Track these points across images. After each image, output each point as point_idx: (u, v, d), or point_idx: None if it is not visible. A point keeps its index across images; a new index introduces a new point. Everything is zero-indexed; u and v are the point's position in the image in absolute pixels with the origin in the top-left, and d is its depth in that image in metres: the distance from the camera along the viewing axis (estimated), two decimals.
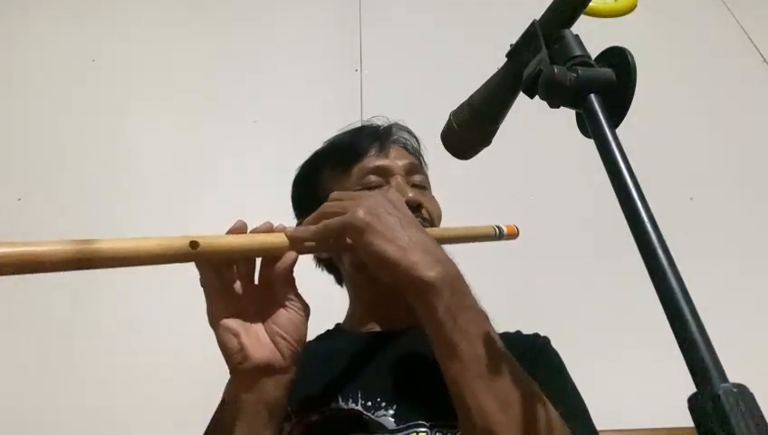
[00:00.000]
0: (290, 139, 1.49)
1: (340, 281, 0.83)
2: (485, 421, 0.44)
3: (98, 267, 0.39)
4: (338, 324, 0.80)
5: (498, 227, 0.71)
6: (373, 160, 0.74)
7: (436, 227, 0.73)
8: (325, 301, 0.79)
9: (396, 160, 0.75)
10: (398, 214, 0.51)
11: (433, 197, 0.77)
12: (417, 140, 0.82)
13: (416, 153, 0.81)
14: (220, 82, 1.72)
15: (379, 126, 0.80)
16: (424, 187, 0.77)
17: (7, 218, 1.44)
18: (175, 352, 1.22)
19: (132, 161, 1.56)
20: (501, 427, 0.44)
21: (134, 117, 1.64)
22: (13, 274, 0.36)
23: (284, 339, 0.50)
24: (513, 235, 0.74)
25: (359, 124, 0.84)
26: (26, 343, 1.28)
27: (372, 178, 0.72)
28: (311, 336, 0.76)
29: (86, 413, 1.19)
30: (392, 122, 0.82)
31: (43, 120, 1.63)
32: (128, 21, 1.86)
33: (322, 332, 0.78)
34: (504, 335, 0.70)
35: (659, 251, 0.31)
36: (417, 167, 0.77)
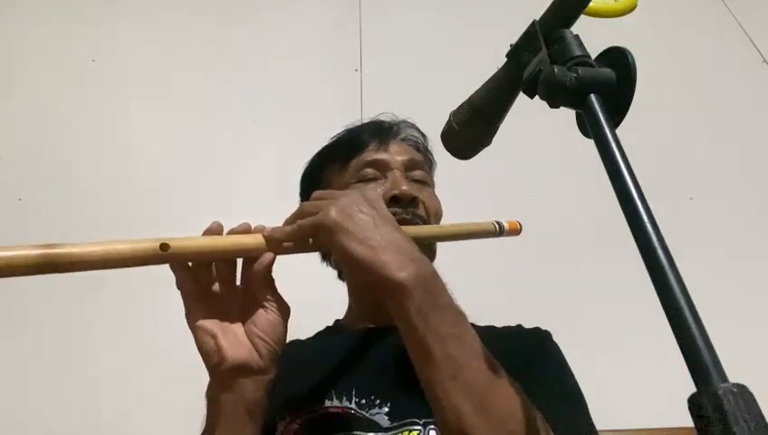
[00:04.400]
0: (290, 139, 1.50)
1: (341, 276, 0.82)
2: (460, 423, 0.43)
3: (66, 271, 0.39)
4: (337, 321, 0.80)
5: (498, 223, 0.70)
6: (371, 154, 0.73)
7: (433, 223, 0.72)
8: (327, 299, 0.80)
9: (395, 155, 0.74)
10: (373, 212, 0.50)
11: (433, 193, 0.76)
12: (424, 138, 0.81)
13: (422, 150, 0.80)
14: (220, 82, 1.72)
15: (383, 122, 0.80)
16: (424, 182, 0.76)
17: (7, 218, 1.44)
18: (174, 352, 1.21)
19: (132, 161, 1.56)
20: (477, 430, 0.42)
21: (134, 117, 1.64)
22: None
23: (262, 339, 0.50)
24: (516, 230, 0.72)
25: (366, 121, 0.84)
26: (26, 343, 1.28)
27: (369, 171, 0.72)
28: (311, 333, 0.76)
29: (86, 412, 1.19)
30: (400, 119, 0.81)
31: (43, 120, 1.63)
32: (128, 21, 1.86)
33: (322, 329, 0.78)
34: (505, 329, 0.70)
35: (659, 251, 0.31)
36: (418, 163, 0.76)
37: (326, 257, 0.82)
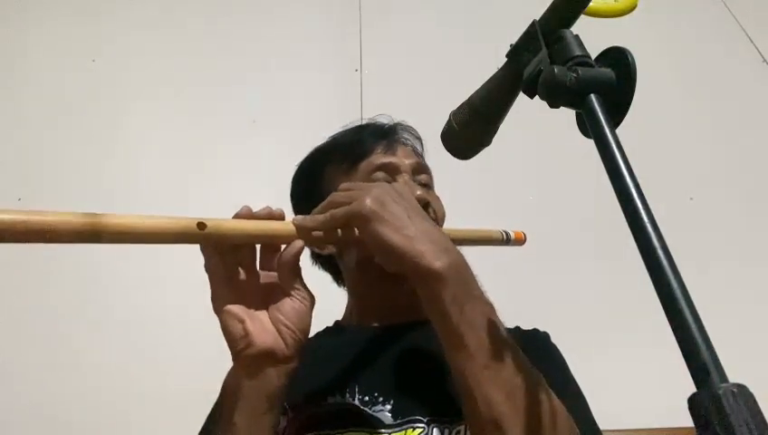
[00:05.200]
0: (290, 139, 1.49)
1: (337, 279, 0.83)
2: (491, 412, 0.44)
3: (105, 242, 0.39)
4: (337, 321, 0.80)
5: (506, 233, 0.71)
6: (380, 158, 0.73)
7: (441, 227, 0.72)
8: (324, 299, 0.79)
9: (403, 159, 0.74)
10: (405, 203, 0.51)
11: (438, 197, 0.77)
12: (420, 141, 0.82)
13: (419, 154, 0.81)
14: (220, 82, 1.72)
15: (384, 124, 0.80)
16: (429, 186, 0.77)
17: None
18: (176, 348, 1.22)
19: (132, 161, 1.56)
20: (506, 417, 0.44)
21: (134, 117, 1.64)
22: (19, 242, 0.35)
23: (288, 328, 0.50)
24: (521, 241, 0.74)
25: (360, 122, 0.84)
26: (26, 340, 1.28)
27: (380, 175, 0.72)
28: (310, 334, 0.76)
29: (86, 409, 1.19)
30: (396, 121, 0.81)
31: (43, 120, 1.63)
32: (128, 21, 1.86)
33: (321, 329, 0.78)
34: None
35: (659, 251, 0.31)
36: (422, 166, 0.77)
37: (318, 260, 0.82)
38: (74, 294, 1.33)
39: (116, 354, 1.25)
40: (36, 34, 1.81)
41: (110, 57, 1.77)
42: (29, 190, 1.49)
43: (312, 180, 0.79)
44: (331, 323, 0.80)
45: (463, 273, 0.48)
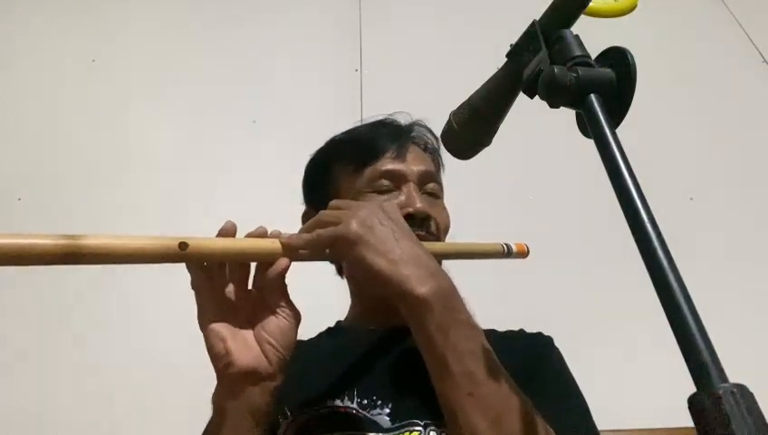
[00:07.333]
0: (290, 139, 1.50)
1: (340, 271, 0.81)
2: None
3: (85, 263, 0.39)
4: (339, 322, 0.80)
5: (507, 245, 0.70)
6: (388, 163, 0.71)
7: (442, 239, 0.72)
8: (325, 299, 0.80)
9: (411, 166, 0.72)
10: (392, 225, 0.50)
11: (444, 207, 0.75)
12: (436, 140, 0.79)
13: (434, 153, 0.79)
14: (220, 82, 1.72)
15: (400, 125, 0.78)
16: (436, 195, 0.75)
17: (7, 218, 1.44)
18: (173, 355, 1.21)
19: (132, 161, 1.56)
20: None
21: (134, 117, 1.64)
22: None
23: (272, 345, 0.50)
24: (523, 253, 0.73)
25: (369, 120, 0.81)
26: (25, 342, 1.28)
27: (384, 182, 0.70)
28: (312, 333, 0.76)
29: (84, 413, 1.19)
30: (413, 120, 0.79)
31: (43, 120, 1.63)
32: (128, 21, 1.86)
33: (323, 329, 0.78)
34: (508, 334, 0.70)
35: (659, 251, 0.31)
36: (432, 174, 0.75)
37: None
38: (78, 295, 1.33)
39: (115, 360, 1.25)
40: (36, 34, 1.81)
41: (110, 57, 1.76)
42: (29, 190, 1.49)
43: (321, 174, 0.78)
44: (332, 323, 0.80)
45: (449, 298, 0.48)
